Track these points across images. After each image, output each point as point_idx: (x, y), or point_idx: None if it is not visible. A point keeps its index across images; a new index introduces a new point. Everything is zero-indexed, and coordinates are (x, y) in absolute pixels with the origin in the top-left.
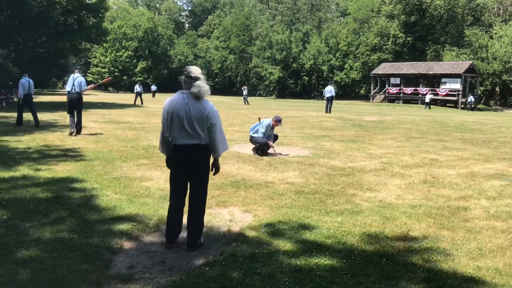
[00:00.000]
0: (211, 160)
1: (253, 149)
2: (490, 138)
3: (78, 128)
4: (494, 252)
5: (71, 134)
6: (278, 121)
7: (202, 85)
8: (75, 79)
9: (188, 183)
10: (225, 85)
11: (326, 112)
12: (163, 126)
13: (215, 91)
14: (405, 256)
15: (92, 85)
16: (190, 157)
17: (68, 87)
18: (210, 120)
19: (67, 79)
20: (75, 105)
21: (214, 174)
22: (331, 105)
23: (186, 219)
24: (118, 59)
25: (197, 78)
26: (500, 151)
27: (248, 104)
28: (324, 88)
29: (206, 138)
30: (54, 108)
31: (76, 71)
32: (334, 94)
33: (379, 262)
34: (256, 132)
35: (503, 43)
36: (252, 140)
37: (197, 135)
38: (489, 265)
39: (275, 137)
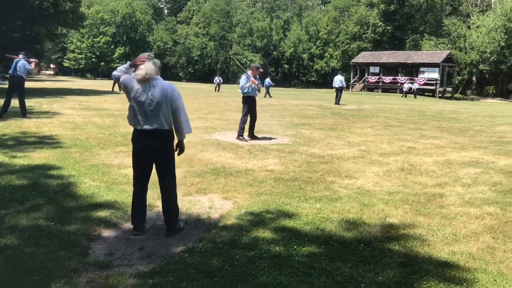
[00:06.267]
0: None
1: (238, 137)
2: (466, 127)
3: (23, 112)
4: (468, 238)
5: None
6: (256, 68)
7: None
8: (17, 63)
9: (152, 169)
10: (205, 72)
11: (336, 103)
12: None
13: (195, 78)
14: (382, 241)
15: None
16: (153, 143)
17: (10, 71)
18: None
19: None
20: (15, 88)
21: (179, 154)
22: (341, 95)
23: (161, 205)
24: (95, 45)
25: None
26: (475, 139)
27: (218, 91)
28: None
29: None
30: (29, 94)
31: (20, 55)
32: (343, 85)
33: (357, 248)
34: (246, 90)
35: (480, 33)
36: (246, 97)
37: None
38: (463, 250)
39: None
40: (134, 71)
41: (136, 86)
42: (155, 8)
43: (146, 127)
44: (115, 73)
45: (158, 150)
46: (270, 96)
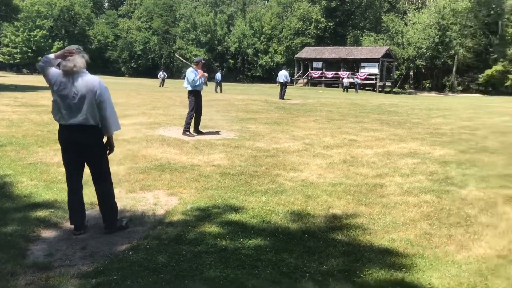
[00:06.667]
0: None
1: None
2: (405, 119)
3: None
4: (406, 225)
5: None
6: (199, 61)
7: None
8: None
9: (84, 166)
10: (148, 67)
11: (280, 98)
12: None
13: (138, 73)
14: (326, 232)
15: None
16: (78, 138)
17: None
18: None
19: None
20: None
21: (109, 153)
22: (285, 90)
23: (98, 204)
24: (31, 39)
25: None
26: (413, 131)
27: (163, 86)
28: (278, 73)
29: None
30: None
31: None
32: (288, 80)
33: (302, 239)
34: (194, 84)
35: (416, 29)
36: (192, 91)
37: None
38: (402, 237)
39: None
40: (60, 63)
41: (60, 79)
42: (95, 2)
43: (71, 121)
44: (39, 64)
45: (85, 146)
46: (216, 92)
